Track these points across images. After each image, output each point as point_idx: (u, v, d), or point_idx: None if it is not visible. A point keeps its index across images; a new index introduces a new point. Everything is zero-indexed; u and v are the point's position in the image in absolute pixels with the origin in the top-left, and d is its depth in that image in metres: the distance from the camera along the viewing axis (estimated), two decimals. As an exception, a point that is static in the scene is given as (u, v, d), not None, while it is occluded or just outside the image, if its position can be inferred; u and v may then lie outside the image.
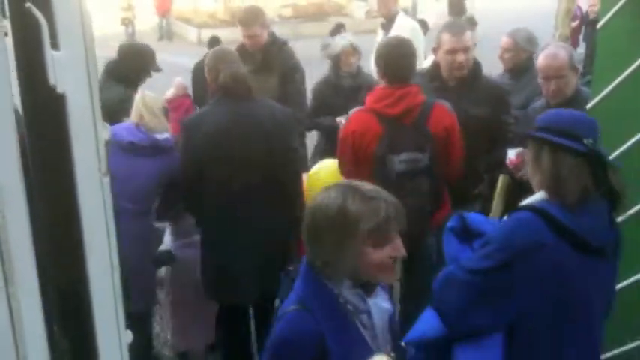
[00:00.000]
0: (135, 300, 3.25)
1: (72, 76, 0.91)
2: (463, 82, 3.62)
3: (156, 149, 3.42)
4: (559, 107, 2.89)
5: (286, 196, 3.27)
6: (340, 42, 4.80)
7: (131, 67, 4.14)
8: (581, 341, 2.01)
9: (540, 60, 3.40)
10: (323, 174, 3.61)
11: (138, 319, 3.45)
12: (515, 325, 1.95)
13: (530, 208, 2.01)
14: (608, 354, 2.80)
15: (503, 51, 4.49)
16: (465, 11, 21.99)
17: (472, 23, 21.75)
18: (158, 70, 4.38)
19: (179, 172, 3.36)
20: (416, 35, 5.60)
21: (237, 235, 3.25)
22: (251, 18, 4.42)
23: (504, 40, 4.48)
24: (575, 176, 1.97)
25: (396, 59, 3.31)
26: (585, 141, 1.98)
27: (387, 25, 5.79)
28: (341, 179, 3.37)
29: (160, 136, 3.45)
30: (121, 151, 3.28)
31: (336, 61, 4.75)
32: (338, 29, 12.29)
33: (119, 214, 3.30)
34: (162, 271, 3.86)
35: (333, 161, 3.74)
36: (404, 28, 5.64)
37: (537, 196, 2.06)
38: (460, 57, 3.54)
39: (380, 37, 5.90)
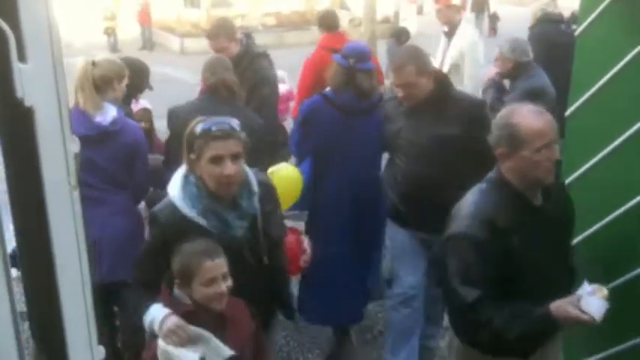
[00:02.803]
0: (119, 268, 3.34)
1: (40, 89, 0.89)
2: (431, 103, 3.35)
3: (105, 136, 3.33)
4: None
5: None
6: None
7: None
8: (350, 167, 3.75)
9: (532, 125, 2.30)
10: (275, 177, 3.59)
11: (124, 286, 3.41)
12: (314, 153, 3.81)
13: (320, 93, 3.86)
14: (612, 350, 2.82)
15: (494, 60, 4.82)
16: (486, 9, 22.79)
17: (495, 19, 22.80)
18: (150, 88, 4.30)
19: (141, 147, 3.51)
20: (475, 48, 5.57)
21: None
22: (216, 30, 4.37)
23: (495, 51, 4.73)
24: (341, 79, 3.71)
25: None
26: (350, 60, 3.68)
27: (450, 33, 5.73)
28: (292, 184, 3.61)
29: (104, 121, 3.32)
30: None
31: None
32: (402, 35, 11.14)
33: (95, 198, 3.30)
34: None
35: (286, 165, 3.83)
36: (464, 38, 5.60)
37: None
38: (400, 92, 3.34)
39: (442, 44, 5.84)
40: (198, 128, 2.39)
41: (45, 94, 0.90)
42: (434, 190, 3.21)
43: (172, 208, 2.42)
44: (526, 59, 4.62)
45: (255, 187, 2.53)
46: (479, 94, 5.13)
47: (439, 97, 3.36)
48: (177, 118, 3.53)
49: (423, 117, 3.35)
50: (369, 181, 3.79)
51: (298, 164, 3.96)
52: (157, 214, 2.49)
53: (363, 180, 3.78)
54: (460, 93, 3.60)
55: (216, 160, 2.35)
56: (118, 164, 3.42)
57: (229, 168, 2.34)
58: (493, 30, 22.44)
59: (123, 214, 3.49)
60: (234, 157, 2.37)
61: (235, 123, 2.44)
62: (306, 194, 3.76)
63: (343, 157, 3.76)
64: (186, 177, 2.46)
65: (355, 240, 3.85)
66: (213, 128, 2.37)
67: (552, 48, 5.11)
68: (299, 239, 3.47)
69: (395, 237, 3.64)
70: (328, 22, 6.05)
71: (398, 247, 3.62)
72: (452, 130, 3.25)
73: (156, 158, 3.80)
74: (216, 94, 3.51)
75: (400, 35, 11.28)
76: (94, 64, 3.43)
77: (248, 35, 4.67)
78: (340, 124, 3.72)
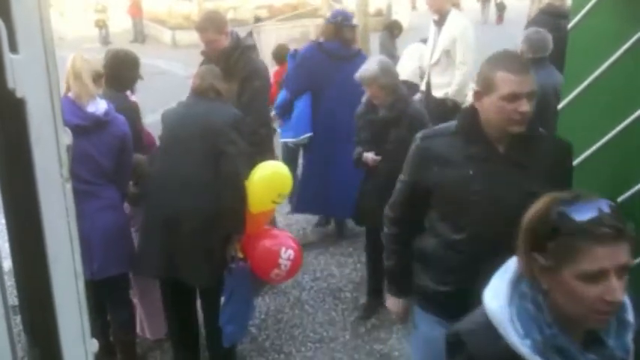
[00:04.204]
0: (110, 265, 3.50)
1: (31, 80, 0.88)
2: (516, 143, 2.41)
3: (98, 126, 3.40)
4: None
5: (227, 188, 3.47)
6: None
7: (117, 74, 4.06)
8: (332, 100, 5.26)
9: None
10: (256, 177, 3.59)
11: (115, 282, 3.60)
12: (311, 89, 5.38)
13: (314, 42, 5.38)
14: None
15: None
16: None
17: (502, 7, 23.50)
18: (141, 78, 4.31)
19: (129, 140, 3.63)
20: (467, 33, 5.63)
21: (177, 219, 3.44)
22: (204, 23, 4.36)
23: (501, 38, 4.78)
24: (331, 32, 5.20)
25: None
26: (338, 18, 5.16)
27: (440, 22, 5.78)
28: (273, 185, 3.58)
29: (96, 111, 3.40)
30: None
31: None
32: (395, 28, 11.03)
33: (86, 192, 3.39)
34: None
35: (270, 164, 3.83)
36: (456, 25, 5.66)
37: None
38: (523, 106, 2.32)
39: (432, 33, 5.90)
40: (564, 217, 1.44)
41: (37, 85, 0.89)
42: (497, 263, 1.89)
43: (490, 330, 1.53)
44: (530, 56, 4.52)
45: (631, 316, 1.54)
46: (471, 79, 5.17)
47: (528, 137, 2.43)
48: (167, 118, 3.70)
49: (508, 165, 2.42)
50: (350, 110, 4.71)
51: (292, 100, 5.45)
52: (463, 336, 1.62)
53: (345, 110, 4.89)
54: (542, 131, 2.57)
55: (596, 277, 1.41)
56: (110, 156, 3.45)
57: (617, 291, 1.40)
58: (500, 18, 22.90)
59: (112, 209, 3.51)
60: (621, 272, 1.42)
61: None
62: (309, 121, 5.35)
63: (331, 92, 5.20)
64: (517, 283, 1.56)
65: (342, 152, 4.86)
66: (589, 220, 1.41)
67: None
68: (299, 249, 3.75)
69: (427, 335, 2.66)
70: (279, 56, 7.40)
71: (431, 348, 2.58)
72: (536, 185, 2.18)
73: (136, 156, 3.84)
74: (204, 95, 3.68)
75: (392, 28, 11.23)
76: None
77: (257, 18, 5.38)
78: (328, 66, 5.20)
